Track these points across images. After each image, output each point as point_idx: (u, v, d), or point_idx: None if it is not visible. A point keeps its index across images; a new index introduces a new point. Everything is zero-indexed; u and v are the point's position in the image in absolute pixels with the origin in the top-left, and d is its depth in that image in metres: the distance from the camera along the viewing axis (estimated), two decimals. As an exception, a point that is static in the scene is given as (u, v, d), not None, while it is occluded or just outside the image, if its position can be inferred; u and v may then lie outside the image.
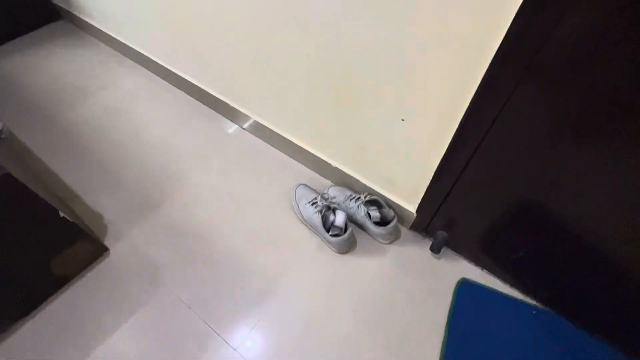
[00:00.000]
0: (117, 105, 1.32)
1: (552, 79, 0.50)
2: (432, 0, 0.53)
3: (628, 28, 0.41)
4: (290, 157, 1.16)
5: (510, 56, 0.51)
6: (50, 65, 1.46)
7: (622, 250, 0.66)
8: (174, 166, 1.14)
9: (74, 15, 1.59)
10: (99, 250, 0.94)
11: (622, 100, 0.47)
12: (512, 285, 0.88)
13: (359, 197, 0.95)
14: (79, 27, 1.64)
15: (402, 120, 0.75)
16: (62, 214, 0.79)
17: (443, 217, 0.89)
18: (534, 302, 0.86)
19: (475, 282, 0.89)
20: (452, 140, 0.69)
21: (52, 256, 0.83)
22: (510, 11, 0.47)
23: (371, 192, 0.98)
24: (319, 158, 1.06)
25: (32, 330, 0.84)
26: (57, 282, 0.89)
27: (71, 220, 0.82)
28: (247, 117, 1.18)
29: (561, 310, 0.84)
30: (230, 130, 1.25)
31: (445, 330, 0.83)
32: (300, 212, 0.99)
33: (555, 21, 0.44)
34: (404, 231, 0.99)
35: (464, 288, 0.88)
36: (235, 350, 0.81)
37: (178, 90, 1.38)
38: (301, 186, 1.03)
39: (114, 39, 1.47)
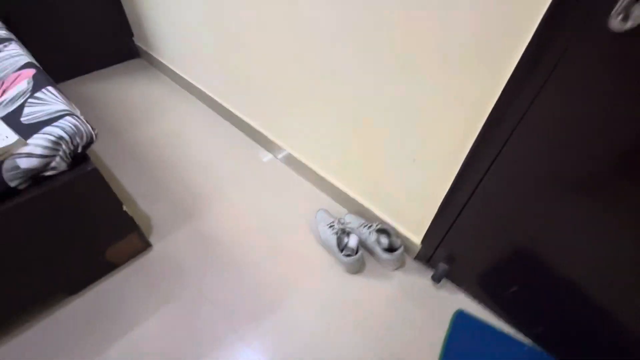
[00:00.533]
0: (174, 129, 1.57)
1: (538, 136, 0.64)
2: (439, 73, 0.70)
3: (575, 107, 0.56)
4: (315, 185, 1.33)
5: (500, 117, 0.66)
6: (125, 94, 1.76)
7: (608, 296, 0.74)
8: (214, 184, 1.33)
9: (149, 54, 1.94)
10: (144, 246, 1.11)
11: (600, 166, 0.60)
12: (506, 320, 0.95)
13: (371, 225, 1.08)
14: (153, 65, 1.98)
15: (414, 160, 0.90)
16: (124, 208, 0.97)
17: (445, 250, 0.99)
18: (525, 339, 0.92)
19: (471, 314, 0.96)
20: (453, 182, 0.83)
21: (109, 244, 1.00)
22: (498, 87, 0.63)
23: (382, 221, 1.11)
24: (340, 189, 1.21)
25: (80, 307, 0.98)
26: (107, 268, 1.05)
27: (130, 215, 1.00)
28: (281, 149, 1.38)
29: (550, 348, 0.89)
30: (265, 159, 1.45)
31: (439, 356, 0.89)
32: (319, 232, 1.12)
33: (531, 101, 0.60)
34: (409, 260, 1.10)
35: (460, 319, 0.95)
36: (247, 347, 0.91)
37: (226, 121, 1.62)
38: (322, 211, 1.18)
39: (180, 76, 1.77)
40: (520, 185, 0.72)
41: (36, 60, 1.04)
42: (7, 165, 0.70)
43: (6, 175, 0.70)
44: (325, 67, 0.95)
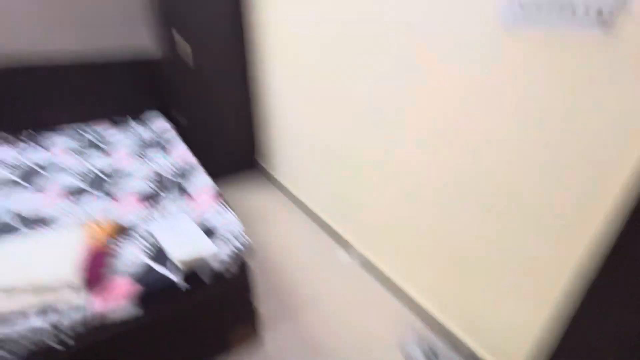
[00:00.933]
0: (278, 235, 1.93)
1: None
2: (536, 222, 0.90)
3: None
4: (409, 308, 1.45)
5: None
6: (240, 199, 2.25)
7: None
8: (310, 288, 1.57)
9: (265, 169, 2.49)
10: (255, 334, 1.33)
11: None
12: None
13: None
14: (267, 178, 2.51)
15: (509, 292, 1.02)
16: (254, 302, 1.24)
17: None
18: None
19: None
20: (551, 322, 0.91)
21: (234, 327, 1.25)
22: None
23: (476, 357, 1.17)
24: (432, 315, 1.33)
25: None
26: (223, 348, 1.27)
27: (256, 309, 1.26)
28: (379, 270, 1.58)
29: None
30: (361, 275, 1.65)
31: None
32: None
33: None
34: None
35: None
36: None
37: (325, 234, 1.93)
38: (412, 336, 1.29)
39: (289, 191, 2.22)
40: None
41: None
42: (200, 265, 1.05)
43: (202, 272, 1.04)
44: (435, 212, 1.20)
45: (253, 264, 1.66)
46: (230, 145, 2.42)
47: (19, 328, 0.82)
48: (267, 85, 2.10)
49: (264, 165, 2.51)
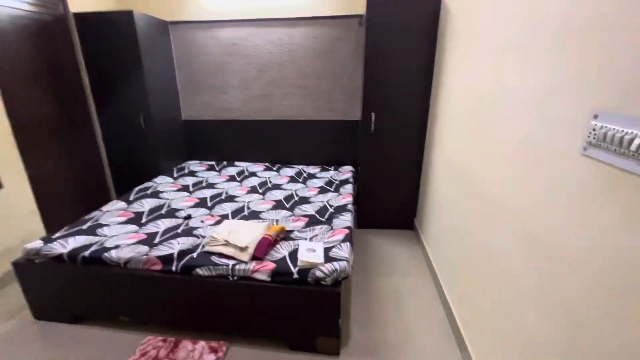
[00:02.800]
0: (398, 290, 2.09)
1: None
2: None
3: None
4: None
5: None
6: (389, 250, 2.55)
7: None
8: (406, 343, 1.66)
9: (419, 233, 2.68)
10: (337, 350, 1.61)
11: None
12: None
13: None
14: (418, 243, 2.70)
15: None
16: (340, 322, 1.55)
17: None
18: None
19: None
20: None
21: (320, 335, 1.59)
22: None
23: None
24: None
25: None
26: (310, 348, 1.63)
27: (340, 327, 1.56)
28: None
29: None
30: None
31: None
32: None
33: None
34: None
35: None
36: None
37: (447, 324, 1.94)
38: None
39: (430, 259, 2.33)
40: None
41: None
42: (312, 271, 1.50)
43: (309, 276, 1.49)
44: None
45: (347, 293, 1.95)
46: (395, 203, 2.80)
47: (219, 263, 1.57)
48: (436, 156, 2.36)
49: (419, 230, 2.71)
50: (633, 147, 0.68)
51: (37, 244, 1.73)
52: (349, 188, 2.58)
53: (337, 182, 2.75)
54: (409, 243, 2.65)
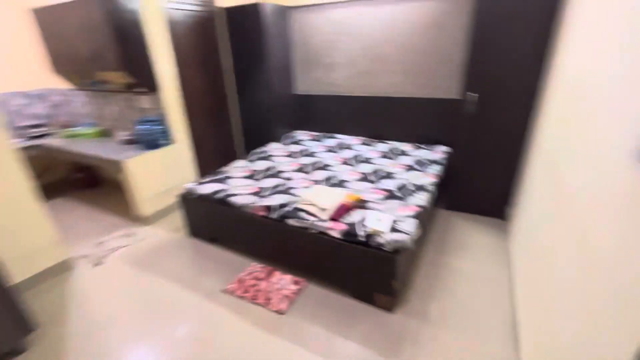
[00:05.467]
0: (468, 268, 2.13)
1: None
2: None
3: None
4: None
5: None
6: (473, 232, 2.53)
7: None
8: (452, 316, 1.79)
9: (507, 221, 2.53)
10: (389, 308, 1.86)
11: None
12: None
13: None
14: (505, 232, 2.56)
15: None
16: (393, 283, 1.77)
17: None
18: None
19: None
20: None
21: (376, 291, 1.86)
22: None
23: None
24: None
25: (347, 304, 1.94)
26: (369, 301, 1.93)
27: (394, 288, 1.79)
28: None
29: None
30: None
31: None
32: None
33: None
34: None
35: None
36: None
37: (508, 313, 1.92)
38: None
39: (510, 251, 2.24)
40: None
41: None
42: (375, 237, 1.75)
43: (372, 240, 1.75)
44: None
45: (408, 262, 2.11)
46: (488, 190, 2.68)
47: (305, 218, 1.98)
48: (536, 147, 2.16)
49: (509, 219, 2.55)
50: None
51: (191, 185, 2.50)
52: (436, 168, 2.61)
53: (426, 161, 2.80)
54: (496, 232, 2.56)
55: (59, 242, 2.28)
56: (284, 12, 3.37)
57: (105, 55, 2.59)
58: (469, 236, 2.52)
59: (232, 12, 3.26)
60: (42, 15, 2.89)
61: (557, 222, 1.41)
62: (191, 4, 3.03)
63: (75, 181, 3.75)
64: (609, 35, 1.18)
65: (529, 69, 2.21)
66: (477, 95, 2.41)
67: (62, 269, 2.31)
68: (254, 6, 3.07)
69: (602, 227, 0.95)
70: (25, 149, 3.09)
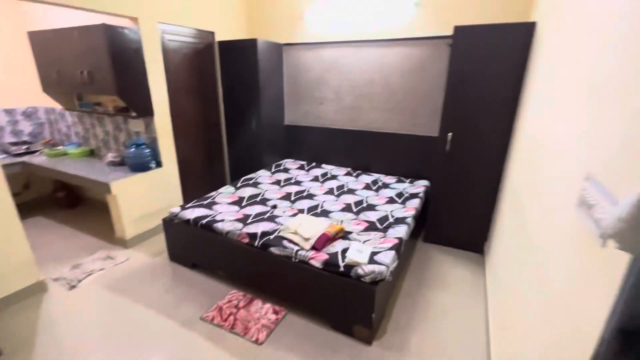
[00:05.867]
0: (448, 306, 2.19)
1: None
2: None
3: None
4: None
5: None
6: (449, 267, 2.61)
7: None
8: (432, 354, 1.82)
9: (484, 257, 2.63)
10: (368, 341, 1.88)
11: None
12: None
13: None
14: (482, 266, 2.66)
15: None
16: (373, 316, 1.81)
17: None
18: None
19: None
20: None
21: (356, 323, 1.89)
22: None
23: None
24: None
25: (324, 335, 1.95)
26: (348, 332, 1.94)
27: (373, 320, 1.82)
28: None
29: None
30: None
31: None
32: None
33: None
34: None
35: None
36: None
37: (483, 345, 1.98)
38: None
39: (487, 286, 2.32)
40: None
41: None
42: (355, 268, 1.80)
43: (352, 272, 1.81)
44: None
45: (386, 294, 2.16)
46: (466, 224, 2.80)
47: (287, 247, 2.02)
48: (507, 186, 2.31)
49: (486, 255, 2.65)
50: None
51: (177, 209, 2.52)
52: (415, 202, 2.73)
53: (407, 194, 2.92)
54: (473, 266, 2.65)
55: (34, 262, 2.23)
56: (277, 48, 3.58)
57: (100, 80, 2.68)
58: (447, 269, 2.60)
59: (226, 45, 3.43)
60: (38, 38, 2.98)
61: (521, 258, 1.51)
62: (188, 36, 3.19)
63: (56, 200, 3.68)
64: (558, 100, 1.35)
65: (500, 115, 2.41)
66: (451, 134, 2.58)
67: (35, 290, 2.24)
68: (251, 41, 3.26)
69: (555, 264, 1.05)
70: (7, 165, 3.06)
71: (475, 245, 2.83)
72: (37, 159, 3.23)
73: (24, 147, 3.43)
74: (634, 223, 0.39)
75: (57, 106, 3.52)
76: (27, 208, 3.52)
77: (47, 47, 2.95)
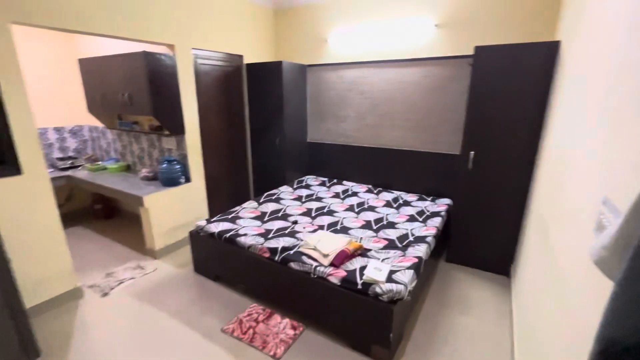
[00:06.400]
0: (465, 327, 2.11)
1: None
2: None
3: None
4: None
5: None
6: (477, 291, 2.53)
7: None
8: (450, 378, 1.76)
9: (512, 281, 2.53)
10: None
11: None
12: None
13: None
14: (508, 289, 2.56)
15: None
16: (390, 336, 1.79)
17: None
18: None
19: None
20: None
21: (375, 343, 1.87)
22: None
23: None
24: None
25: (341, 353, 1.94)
26: (366, 353, 1.92)
27: (390, 341, 1.80)
28: None
29: None
30: None
31: None
32: None
33: None
34: None
35: None
36: None
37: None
38: None
39: (512, 310, 2.22)
40: None
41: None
42: (373, 286, 1.81)
43: (370, 290, 1.81)
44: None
45: (404, 314, 2.12)
46: (490, 245, 2.72)
47: (306, 262, 2.06)
48: (532, 206, 2.24)
49: (513, 277, 2.55)
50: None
51: (203, 222, 2.64)
52: (436, 221, 2.69)
53: (428, 212, 2.89)
54: (499, 289, 2.55)
55: (72, 269, 2.40)
56: (301, 69, 3.73)
57: (139, 101, 2.91)
58: (471, 291, 2.52)
59: (253, 67, 3.63)
60: (87, 64, 3.30)
61: (547, 283, 1.46)
62: (219, 60, 3.41)
63: (94, 211, 3.95)
64: (582, 121, 1.33)
65: (523, 134, 2.37)
66: (473, 152, 2.56)
67: (72, 297, 2.40)
68: (277, 63, 3.43)
69: (578, 291, 1.02)
70: (55, 179, 3.34)
71: (500, 266, 2.73)
72: (80, 173, 3.51)
73: (69, 162, 3.74)
74: (615, 251, 0.40)
75: (100, 125, 3.83)
76: (68, 218, 3.80)
77: (94, 72, 3.26)
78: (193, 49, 3.03)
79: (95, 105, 3.42)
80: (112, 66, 3.03)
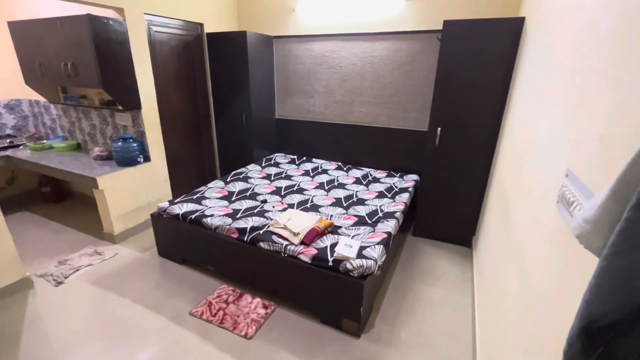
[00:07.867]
0: (432, 295, 2.22)
1: None
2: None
3: None
4: None
5: None
6: (441, 262, 2.65)
7: None
8: (419, 346, 1.85)
9: (472, 250, 2.67)
10: (356, 334, 1.91)
11: None
12: None
13: None
14: (469, 260, 2.70)
15: None
16: (361, 309, 1.83)
17: None
18: None
19: None
20: None
21: (345, 317, 1.91)
22: None
23: None
24: None
25: (311, 327, 1.97)
26: (337, 326, 1.96)
27: (361, 314, 1.84)
28: None
29: None
30: None
31: None
32: None
33: None
34: None
35: None
36: None
37: (470, 343, 2.02)
38: None
39: (474, 279, 2.36)
40: None
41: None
42: (344, 263, 1.81)
43: (341, 266, 1.82)
44: None
45: (374, 288, 2.18)
46: (454, 218, 2.84)
47: (276, 242, 2.02)
48: (494, 180, 2.34)
49: (474, 248, 2.69)
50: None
51: (165, 204, 2.50)
52: (404, 197, 2.75)
53: (396, 189, 2.94)
54: (461, 259, 2.69)
55: (18, 258, 2.19)
56: (267, 40, 3.53)
57: (85, 72, 2.61)
58: (436, 263, 2.64)
59: (215, 37, 3.37)
60: (19, 28, 2.88)
61: (506, 253, 1.54)
62: (176, 28, 3.12)
63: (42, 194, 3.61)
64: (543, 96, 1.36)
65: (488, 110, 2.43)
66: (440, 128, 2.60)
67: (20, 287, 2.21)
68: (241, 33, 3.21)
69: (536, 259, 1.07)
70: (-10, 160, 2.98)
71: (463, 238, 2.87)
72: (21, 153, 3.15)
73: (8, 140, 3.34)
74: (598, 225, 0.40)
75: (41, 99, 3.43)
76: (11, 203, 3.45)
77: (28, 37, 2.85)
78: (145, 14, 2.73)
79: (33, 77, 3.03)
80: (50, 30, 2.66)
